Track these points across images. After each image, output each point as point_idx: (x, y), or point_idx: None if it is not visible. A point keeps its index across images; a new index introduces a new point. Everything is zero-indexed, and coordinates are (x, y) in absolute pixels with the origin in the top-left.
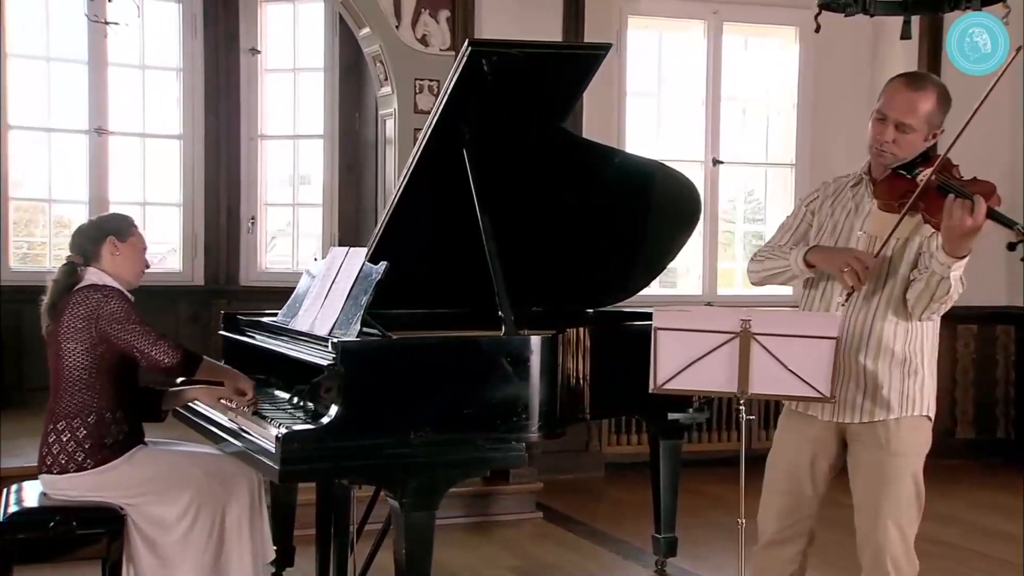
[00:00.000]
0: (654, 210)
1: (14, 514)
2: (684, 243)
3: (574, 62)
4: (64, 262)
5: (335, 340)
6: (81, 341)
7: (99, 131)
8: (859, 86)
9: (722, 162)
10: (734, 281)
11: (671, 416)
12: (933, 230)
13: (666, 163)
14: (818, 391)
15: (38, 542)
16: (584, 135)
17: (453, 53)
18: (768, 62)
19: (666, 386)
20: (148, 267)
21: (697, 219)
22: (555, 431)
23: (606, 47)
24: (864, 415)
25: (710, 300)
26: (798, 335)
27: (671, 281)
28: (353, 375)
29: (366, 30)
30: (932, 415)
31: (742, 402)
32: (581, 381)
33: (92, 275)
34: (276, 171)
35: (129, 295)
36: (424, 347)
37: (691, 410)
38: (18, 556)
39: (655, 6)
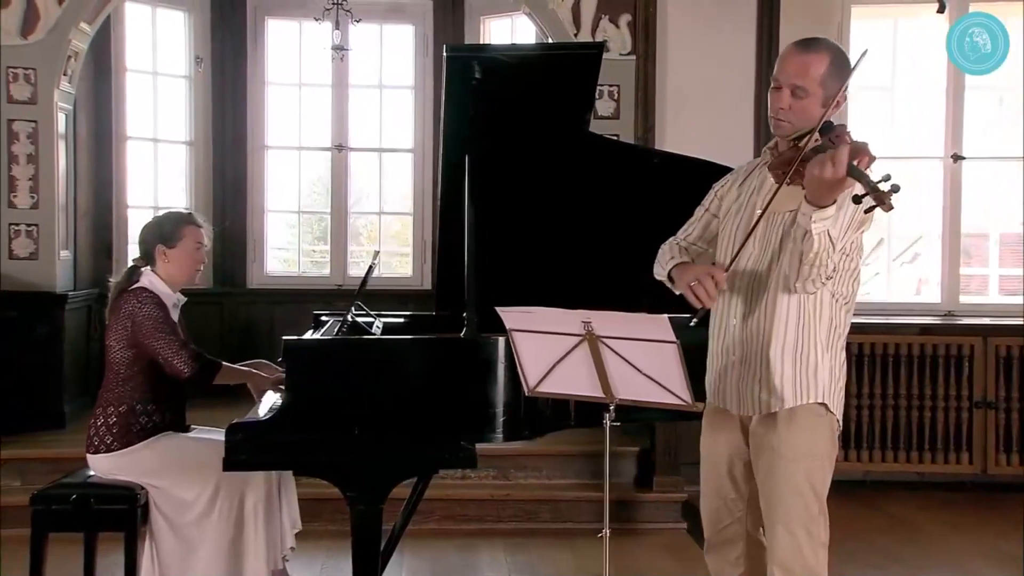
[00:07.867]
0: None
1: (52, 486)
2: None
3: (568, 63)
4: (131, 264)
5: (285, 338)
6: (119, 339)
7: (340, 148)
8: None
9: (963, 157)
10: (987, 288)
11: None
12: None
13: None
14: (679, 398)
15: (63, 513)
16: None
17: (634, 57)
18: None
19: (539, 389)
20: (204, 262)
21: None
22: (520, 435)
23: (599, 46)
24: (761, 407)
25: (951, 309)
26: (639, 339)
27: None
28: (294, 372)
29: (549, 40)
30: (831, 404)
31: (611, 408)
32: None
33: (144, 278)
34: None
35: (164, 303)
36: (365, 346)
37: None
38: (49, 525)
39: None
